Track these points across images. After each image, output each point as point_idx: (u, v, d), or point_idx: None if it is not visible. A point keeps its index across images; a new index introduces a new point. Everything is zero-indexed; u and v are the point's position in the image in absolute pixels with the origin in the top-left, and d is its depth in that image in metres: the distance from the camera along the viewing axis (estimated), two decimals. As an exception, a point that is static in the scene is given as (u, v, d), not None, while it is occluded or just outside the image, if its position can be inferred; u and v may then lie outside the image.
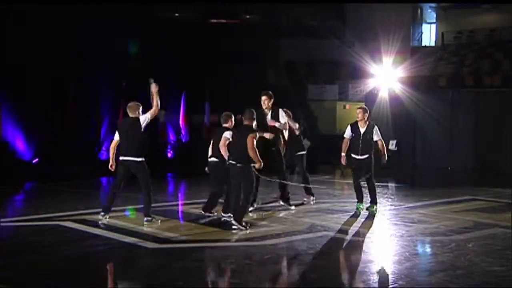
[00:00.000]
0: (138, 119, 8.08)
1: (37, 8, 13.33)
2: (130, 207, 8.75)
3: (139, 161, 8.06)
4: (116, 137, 8.27)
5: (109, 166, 8.31)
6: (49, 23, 13.63)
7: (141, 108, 8.19)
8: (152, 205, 8.17)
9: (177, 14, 19.26)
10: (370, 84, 20.99)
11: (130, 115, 8.18)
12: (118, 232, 7.54)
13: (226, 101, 16.55)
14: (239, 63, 18.00)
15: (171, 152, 17.62)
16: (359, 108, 9.52)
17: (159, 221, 8.15)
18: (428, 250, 7.22)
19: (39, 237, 7.38)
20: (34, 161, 14.19)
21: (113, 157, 8.31)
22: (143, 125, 8.06)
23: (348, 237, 7.42)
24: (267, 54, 21.04)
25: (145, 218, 8.10)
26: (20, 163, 13.77)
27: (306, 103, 21.89)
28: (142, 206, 8.26)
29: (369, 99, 20.18)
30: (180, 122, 18.13)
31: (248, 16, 21.84)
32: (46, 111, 13.97)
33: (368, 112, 9.35)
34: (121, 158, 8.14)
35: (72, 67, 14.36)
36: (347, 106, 24.54)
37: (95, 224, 8.01)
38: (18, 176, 12.59)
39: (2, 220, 8.25)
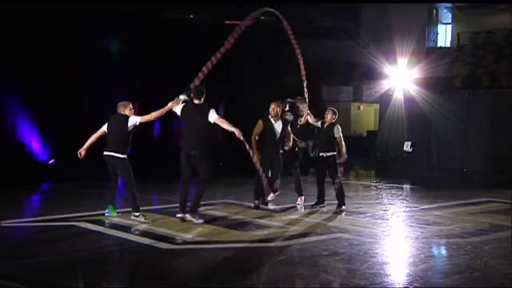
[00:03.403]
0: (127, 117, 8.22)
1: (50, 10, 13.42)
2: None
3: (120, 158, 8.19)
4: (104, 128, 8.36)
5: (78, 153, 8.37)
6: (63, 25, 13.72)
7: (129, 106, 8.30)
8: (168, 205, 8.20)
9: (191, 16, 19.34)
10: (384, 85, 20.95)
11: (119, 112, 8.32)
12: (133, 233, 7.58)
13: (240, 103, 16.56)
14: (253, 64, 17.98)
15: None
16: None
17: (144, 218, 8.22)
18: (444, 252, 7.18)
19: (54, 237, 7.42)
20: (50, 162, 14.30)
21: (87, 145, 8.41)
22: (130, 125, 8.18)
23: (363, 239, 7.39)
24: (282, 55, 20.99)
25: (133, 213, 8.26)
26: (36, 164, 13.88)
27: (320, 105, 21.83)
28: (151, 207, 8.26)
29: (384, 100, 20.12)
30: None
31: (262, 18, 21.84)
32: (62, 112, 14.05)
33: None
34: (104, 152, 8.28)
35: (87, 68, 14.44)
36: (362, 107, 24.50)
37: (110, 225, 8.06)
38: (34, 176, 12.69)
39: (18, 220, 8.33)
